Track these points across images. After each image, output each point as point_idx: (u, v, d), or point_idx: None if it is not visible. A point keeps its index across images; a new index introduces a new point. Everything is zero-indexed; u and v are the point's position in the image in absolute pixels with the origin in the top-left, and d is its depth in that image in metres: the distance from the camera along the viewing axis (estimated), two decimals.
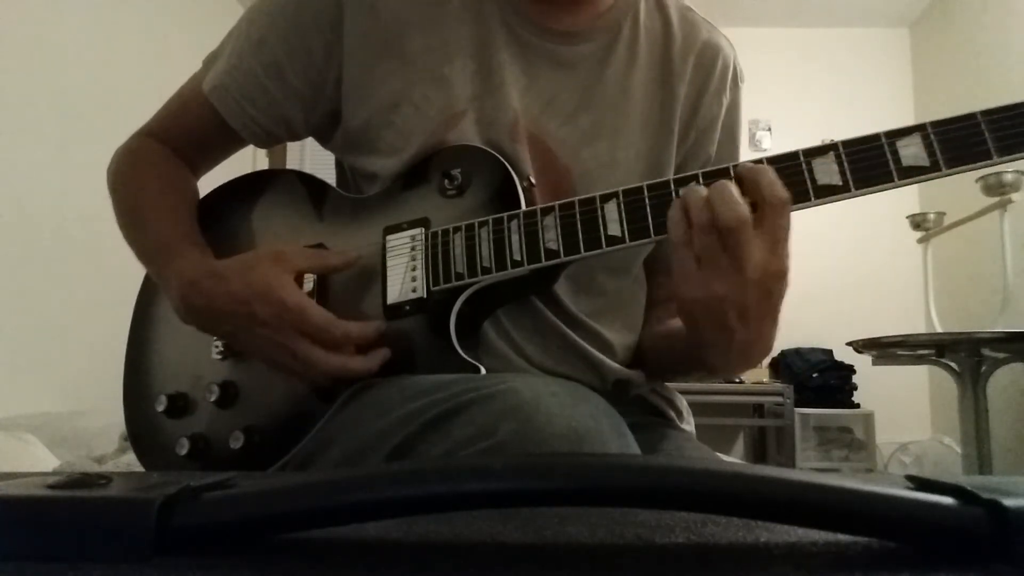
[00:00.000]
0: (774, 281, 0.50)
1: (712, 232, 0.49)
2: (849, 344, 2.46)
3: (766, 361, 3.50)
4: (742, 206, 0.49)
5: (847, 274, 3.61)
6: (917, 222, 2.72)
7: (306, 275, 0.65)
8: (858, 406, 3.39)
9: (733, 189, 0.50)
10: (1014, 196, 2.29)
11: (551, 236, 0.57)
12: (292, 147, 3.66)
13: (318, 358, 0.57)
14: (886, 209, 2.99)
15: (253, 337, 0.59)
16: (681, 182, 0.55)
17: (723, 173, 0.54)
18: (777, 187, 0.50)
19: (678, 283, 0.52)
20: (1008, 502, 0.21)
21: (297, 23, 0.67)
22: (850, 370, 3.38)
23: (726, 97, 0.74)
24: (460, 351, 0.59)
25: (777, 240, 0.50)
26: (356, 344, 0.59)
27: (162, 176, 0.72)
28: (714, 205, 0.49)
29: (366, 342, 0.59)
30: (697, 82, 0.72)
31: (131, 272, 0.71)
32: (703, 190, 0.51)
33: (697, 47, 0.72)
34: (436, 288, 0.60)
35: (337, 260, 0.63)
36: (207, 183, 0.77)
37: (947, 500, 0.22)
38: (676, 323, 0.71)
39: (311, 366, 0.57)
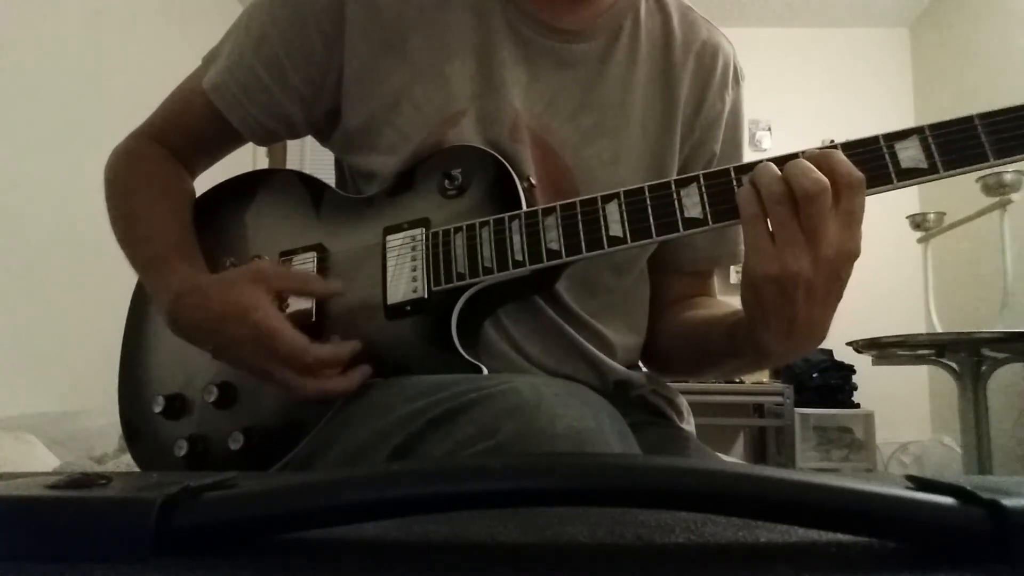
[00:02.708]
0: (844, 261, 0.50)
1: (787, 203, 0.49)
2: (849, 344, 2.45)
3: None
4: (823, 176, 0.49)
5: None
6: (917, 222, 2.72)
7: None
8: (858, 406, 3.39)
9: (806, 162, 0.50)
10: (1014, 196, 2.30)
11: (553, 236, 0.57)
12: (292, 146, 3.66)
13: (294, 383, 0.56)
14: (886, 209, 2.98)
15: (233, 356, 0.59)
16: (682, 183, 0.55)
17: (725, 174, 0.54)
18: (851, 166, 0.50)
19: (749, 260, 0.52)
20: (1008, 502, 0.21)
21: (298, 21, 0.67)
22: (850, 370, 3.38)
23: (728, 95, 0.75)
24: (461, 351, 0.58)
25: (852, 221, 0.50)
26: (333, 366, 0.58)
27: (156, 180, 0.72)
28: (792, 177, 0.49)
29: (341, 364, 0.58)
30: (699, 80, 0.72)
31: (131, 272, 0.71)
32: (773, 167, 0.51)
33: (697, 46, 0.73)
34: (437, 288, 0.60)
35: (320, 289, 0.62)
36: (206, 181, 0.77)
37: (947, 500, 0.22)
38: (711, 311, 0.72)
39: (289, 391, 0.57)
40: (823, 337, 0.54)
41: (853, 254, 0.50)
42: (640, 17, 0.71)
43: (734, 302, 0.67)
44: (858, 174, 0.49)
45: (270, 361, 0.56)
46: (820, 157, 0.50)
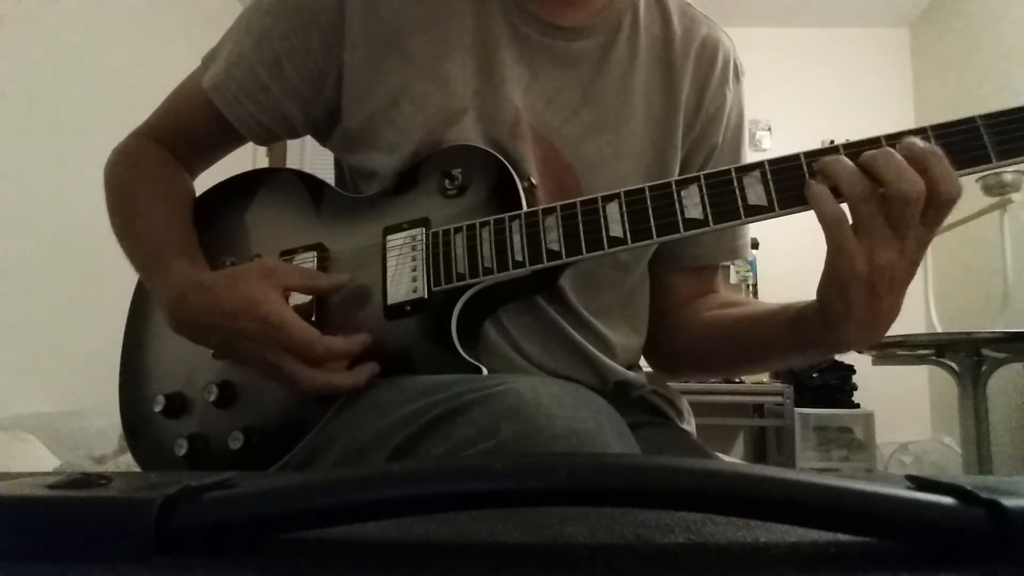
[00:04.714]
0: (926, 247, 0.50)
1: (873, 199, 0.49)
2: None
3: None
4: (920, 179, 0.48)
5: None
6: None
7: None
8: (858, 406, 3.38)
9: (901, 159, 0.48)
10: (1014, 196, 2.30)
11: (553, 237, 0.57)
12: (292, 146, 3.66)
13: (303, 375, 0.56)
14: None
15: (240, 351, 0.59)
16: (682, 183, 0.55)
17: (726, 174, 0.54)
18: (950, 171, 0.48)
19: (837, 262, 0.51)
20: (1008, 502, 0.21)
21: (297, 20, 0.67)
22: (850, 370, 3.37)
23: (729, 89, 0.75)
24: (461, 351, 0.58)
25: (939, 221, 0.50)
26: (343, 359, 0.58)
27: (156, 179, 0.72)
28: (886, 174, 0.48)
29: (351, 357, 0.58)
30: (699, 75, 0.73)
31: (131, 272, 0.71)
32: (847, 160, 0.50)
33: (697, 41, 0.73)
34: (437, 288, 0.60)
35: (327, 283, 0.62)
36: (206, 181, 0.77)
37: (947, 500, 0.22)
38: (749, 308, 0.71)
39: (297, 383, 0.57)
40: (894, 320, 0.54)
41: (929, 242, 0.50)
42: (639, 14, 0.71)
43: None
44: (958, 184, 0.49)
45: (279, 354, 0.56)
46: (916, 152, 0.49)
